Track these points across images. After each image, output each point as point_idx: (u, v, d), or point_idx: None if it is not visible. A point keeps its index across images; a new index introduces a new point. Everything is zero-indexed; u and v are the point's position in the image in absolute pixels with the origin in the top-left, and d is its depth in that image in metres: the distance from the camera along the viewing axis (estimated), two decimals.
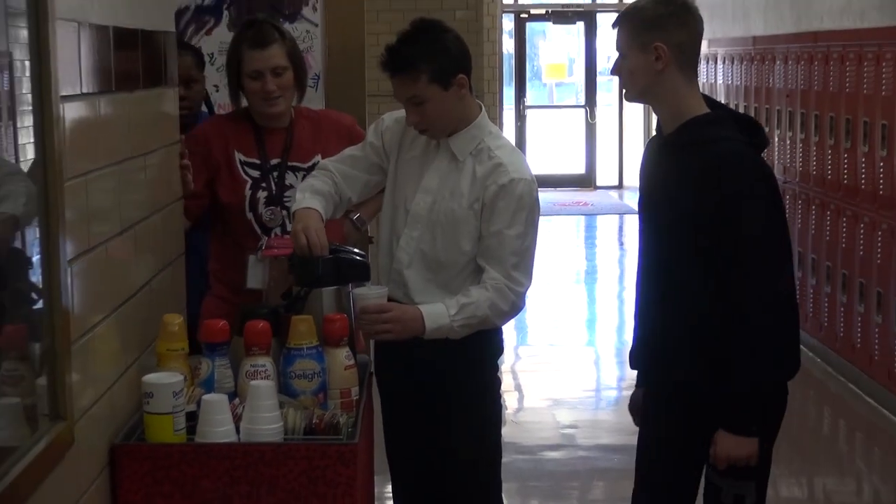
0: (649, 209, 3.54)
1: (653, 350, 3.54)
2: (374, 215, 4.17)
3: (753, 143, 3.42)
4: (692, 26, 3.41)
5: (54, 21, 2.54)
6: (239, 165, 4.07)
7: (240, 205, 4.05)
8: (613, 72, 3.52)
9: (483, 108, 3.77)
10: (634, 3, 3.47)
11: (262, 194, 4.06)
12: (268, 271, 3.72)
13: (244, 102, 4.14)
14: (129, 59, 3.22)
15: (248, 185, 4.06)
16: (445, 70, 3.58)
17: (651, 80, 3.39)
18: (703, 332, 3.40)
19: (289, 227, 3.92)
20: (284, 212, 4.02)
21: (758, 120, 3.70)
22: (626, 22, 3.43)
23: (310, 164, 4.07)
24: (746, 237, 3.32)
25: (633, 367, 3.69)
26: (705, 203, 3.31)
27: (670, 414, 3.51)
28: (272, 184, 4.07)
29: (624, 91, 3.61)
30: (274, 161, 4.09)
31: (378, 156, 3.81)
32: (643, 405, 3.65)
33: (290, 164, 4.09)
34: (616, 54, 3.47)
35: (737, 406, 3.38)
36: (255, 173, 4.07)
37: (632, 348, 3.67)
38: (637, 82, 3.44)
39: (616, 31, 3.46)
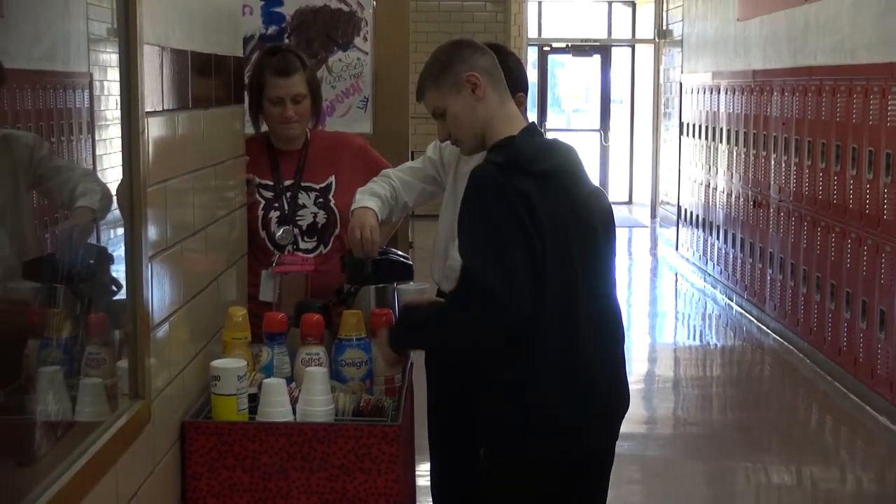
0: None
1: None
2: (387, 239, 4.16)
3: (519, 168, 2.92)
4: (488, 54, 3.09)
5: (142, 45, 2.56)
6: (254, 188, 3.93)
7: (253, 224, 3.90)
8: (443, 139, 3.15)
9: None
10: (423, 70, 3.12)
11: (274, 214, 3.93)
12: (278, 286, 3.73)
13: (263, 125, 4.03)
14: (204, 80, 3.24)
15: (260, 206, 3.92)
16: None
17: (477, 111, 3.03)
18: None
19: (300, 245, 3.92)
20: (296, 230, 3.93)
21: (557, 148, 3.09)
22: (428, 81, 3.08)
23: (324, 184, 3.97)
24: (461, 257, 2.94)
25: None
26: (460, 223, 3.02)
27: None
28: (284, 204, 3.94)
29: (460, 150, 3.21)
30: (287, 182, 3.96)
31: (435, 169, 3.83)
32: None
33: (303, 184, 3.96)
34: None
35: None
36: (269, 194, 3.94)
37: None
38: (465, 127, 3.05)
39: (424, 102, 3.11)
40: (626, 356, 3.21)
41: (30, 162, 2.41)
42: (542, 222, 2.89)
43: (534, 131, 3.08)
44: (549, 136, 3.26)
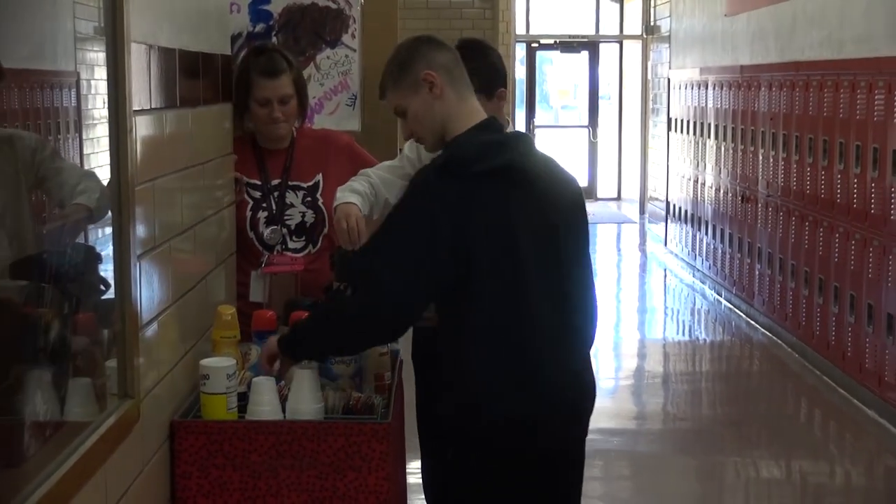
0: None
1: None
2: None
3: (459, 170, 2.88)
4: (446, 50, 3.05)
5: (129, 43, 2.55)
6: (243, 187, 3.91)
7: (241, 225, 3.88)
8: (406, 136, 3.12)
9: (509, 121, 3.79)
10: (384, 69, 3.10)
11: (262, 214, 3.90)
12: (268, 286, 3.72)
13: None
14: (192, 78, 3.23)
15: (248, 207, 3.89)
16: (490, 82, 3.60)
17: (436, 110, 2.99)
18: None
19: (289, 244, 3.90)
20: (285, 230, 3.91)
21: (508, 144, 3.01)
22: (388, 80, 3.05)
23: (311, 182, 3.96)
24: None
25: None
26: None
27: None
28: (272, 203, 3.92)
29: (424, 148, 3.16)
30: (275, 181, 3.93)
31: (413, 166, 3.81)
32: None
33: (290, 183, 3.94)
34: None
35: None
36: (257, 194, 3.92)
37: None
38: (425, 125, 3.02)
39: (386, 101, 3.09)
40: (589, 352, 3.14)
41: (32, 163, 2.40)
42: (471, 225, 2.85)
43: (484, 127, 3.01)
44: (539, 132, 3.24)
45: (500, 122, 3.67)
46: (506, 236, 2.89)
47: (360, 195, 3.67)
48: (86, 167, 2.66)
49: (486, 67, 3.62)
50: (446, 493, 3.12)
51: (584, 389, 3.08)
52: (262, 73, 3.86)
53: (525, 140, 3.07)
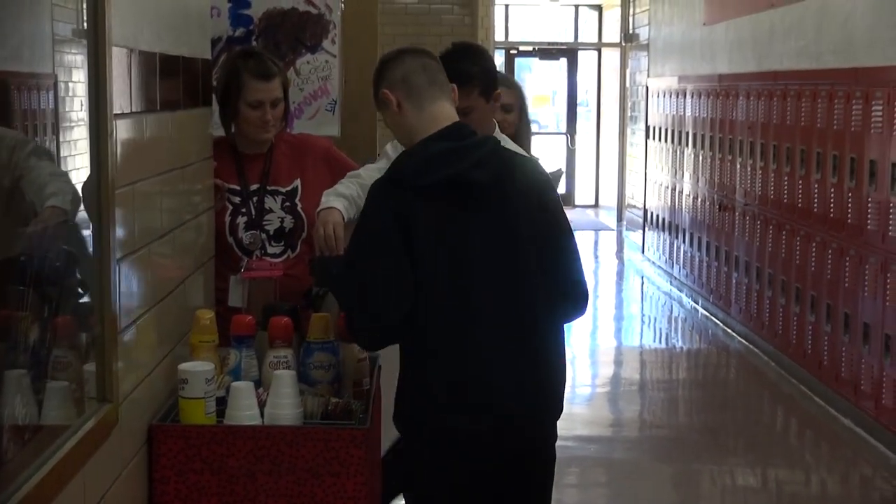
0: None
1: None
2: None
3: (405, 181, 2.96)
4: (408, 60, 3.10)
5: (110, 47, 2.56)
6: (224, 193, 3.90)
7: (220, 230, 3.87)
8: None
9: (496, 123, 3.88)
10: None
11: (241, 220, 3.90)
12: (247, 291, 3.72)
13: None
14: (172, 82, 3.23)
15: (228, 212, 3.89)
16: (490, 85, 3.65)
17: (402, 125, 3.10)
18: None
19: (268, 250, 3.91)
20: (264, 235, 3.91)
21: (462, 155, 2.99)
22: (374, 102, 3.20)
23: (290, 187, 3.95)
24: None
25: None
26: None
27: None
28: (251, 209, 3.91)
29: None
30: (254, 186, 3.93)
31: None
32: None
33: (269, 188, 3.93)
34: None
35: None
36: (236, 199, 3.91)
37: None
38: (398, 137, 3.19)
39: None
40: (554, 358, 3.12)
41: (9, 162, 2.39)
42: (419, 237, 2.91)
43: (443, 135, 3.02)
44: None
45: (490, 123, 3.74)
46: (447, 249, 2.93)
47: (346, 199, 3.66)
48: (64, 169, 2.65)
49: (484, 71, 3.68)
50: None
51: (538, 397, 3.07)
52: (256, 75, 3.87)
53: (483, 147, 3.05)
